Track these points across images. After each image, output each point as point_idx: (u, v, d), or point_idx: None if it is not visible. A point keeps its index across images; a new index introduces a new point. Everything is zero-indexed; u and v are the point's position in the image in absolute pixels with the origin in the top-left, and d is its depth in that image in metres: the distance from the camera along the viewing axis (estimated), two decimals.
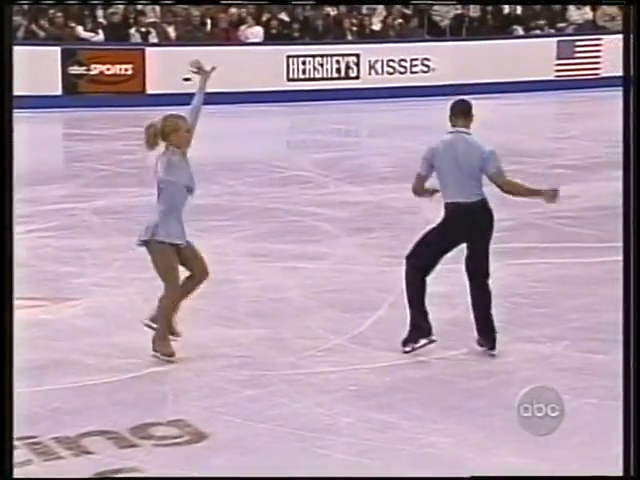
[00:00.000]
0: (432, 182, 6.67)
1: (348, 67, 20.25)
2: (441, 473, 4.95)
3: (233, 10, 20.41)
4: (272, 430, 5.48)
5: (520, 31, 22.04)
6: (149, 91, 18.86)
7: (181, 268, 6.57)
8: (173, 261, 6.46)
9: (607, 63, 20.55)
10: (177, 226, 6.45)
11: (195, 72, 6.54)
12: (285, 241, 9.62)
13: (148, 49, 19.26)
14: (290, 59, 19.86)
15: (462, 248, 6.61)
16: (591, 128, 16.88)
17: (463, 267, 6.64)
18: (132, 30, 19.74)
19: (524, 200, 10.53)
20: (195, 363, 6.49)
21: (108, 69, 18.98)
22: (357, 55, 20.28)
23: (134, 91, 18.88)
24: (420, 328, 6.61)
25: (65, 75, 18.72)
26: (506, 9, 22.17)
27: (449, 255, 6.64)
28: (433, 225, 6.63)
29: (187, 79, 6.49)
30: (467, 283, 6.62)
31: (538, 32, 22.08)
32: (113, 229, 10.11)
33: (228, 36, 20.21)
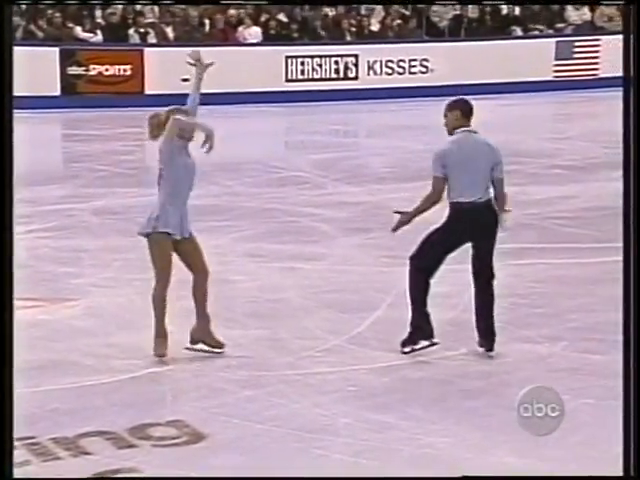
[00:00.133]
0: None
1: (347, 68, 20.25)
2: (439, 473, 4.95)
3: (232, 11, 20.42)
4: (270, 430, 5.48)
5: (518, 32, 22.06)
6: (148, 91, 18.86)
7: (181, 267, 6.57)
8: (167, 253, 6.42)
9: (605, 64, 20.56)
10: (176, 217, 6.43)
11: (192, 64, 6.54)
12: (283, 241, 9.63)
13: (147, 50, 19.26)
14: (289, 60, 19.87)
15: (464, 249, 6.60)
16: (589, 129, 16.89)
17: (463, 267, 6.64)
18: (131, 31, 19.74)
19: (522, 200, 10.54)
20: (193, 364, 6.49)
21: (107, 69, 18.98)
22: (356, 56, 20.29)
23: (133, 91, 18.88)
24: (421, 330, 6.60)
25: (64, 76, 18.72)
26: (504, 10, 22.18)
27: (450, 255, 6.63)
28: (437, 225, 6.58)
29: (186, 79, 6.49)
30: (471, 283, 6.62)
31: (536, 33, 22.09)
32: (112, 229, 10.11)
33: (226, 37, 20.22)
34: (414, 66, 20.53)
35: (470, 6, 21.56)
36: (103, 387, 6.10)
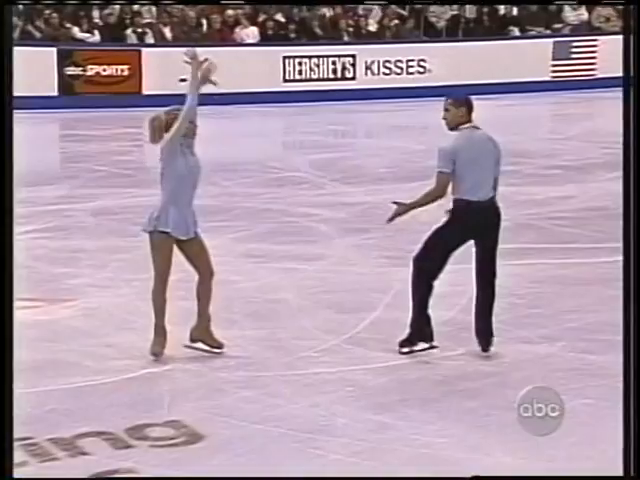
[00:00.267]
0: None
1: (344, 68, 20.26)
2: (437, 473, 4.95)
3: (229, 11, 20.42)
4: (268, 431, 5.48)
5: (516, 32, 22.07)
6: (145, 92, 18.85)
7: (180, 266, 6.57)
8: (166, 252, 6.43)
9: (603, 64, 20.58)
10: (177, 217, 6.43)
11: (188, 62, 6.53)
12: (281, 242, 9.62)
13: (144, 50, 19.26)
14: (286, 60, 19.87)
15: (463, 249, 6.57)
16: (587, 129, 16.91)
17: (462, 268, 6.63)
18: (128, 31, 19.74)
19: (520, 200, 10.55)
20: (191, 364, 6.49)
21: (104, 70, 18.98)
22: (353, 56, 20.30)
23: (130, 92, 18.88)
24: (421, 332, 6.58)
25: (61, 76, 18.71)
26: (502, 10, 22.20)
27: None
28: (438, 225, 6.56)
29: (183, 80, 6.48)
30: (469, 283, 6.61)
31: (534, 33, 22.10)
32: (109, 230, 10.10)
33: (223, 37, 20.21)
34: (412, 66, 20.54)
35: (468, 6, 21.57)
36: (101, 387, 6.10)
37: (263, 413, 5.71)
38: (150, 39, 19.82)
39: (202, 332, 6.59)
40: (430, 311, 6.58)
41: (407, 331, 6.61)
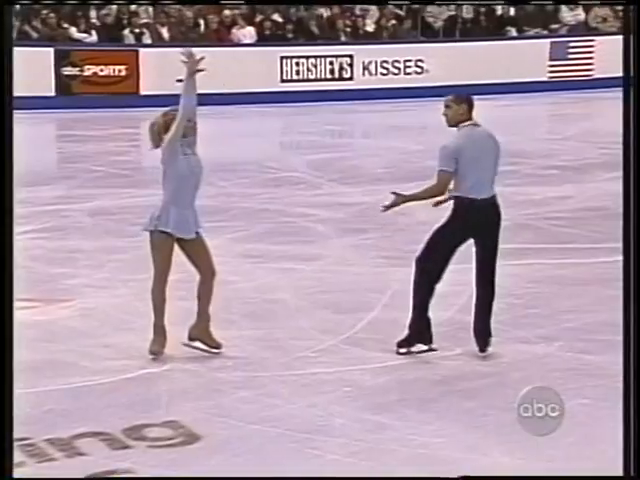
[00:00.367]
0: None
1: (342, 68, 20.26)
2: (435, 473, 4.95)
3: (227, 12, 20.41)
4: (266, 431, 5.48)
5: (513, 32, 22.08)
6: (143, 92, 18.85)
7: (180, 266, 6.57)
8: (166, 252, 6.44)
9: (600, 64, 20.59)
10: (178, 217, 6.44)
11: (184, 62, 6.53)
12: (279, 242, 9.62)
13: (142, 50, 19.25)
14: (283, 60, 19.87)
15: (462, 250, 6.57)
16: (584, 129, 16.92)
17: (460, 268, 6.62)
18: (125, 31, 19.73)
19: (517, 201, 10.55)
20: (189, 364, 6.49)
21: (102, 70, 18.97)
22: (351, 56, 20.30)
23: (128, 92, 18.87)
24: (419, 333, 6.57)
25: (58, 76, 18.71)
26: (499, 10, 22.21)
27: None
28: (439, 225, 6.55)
29: (181, 80, 6.48)
30: (467, 283, 6.61)
31: (531, 33, 22.11)
32: (107, 230, 10.10)
33: (220, 37, 20.21)
34: (409, 67, 20.54)
35: (465, 7, 21.58)
36: (98, 388, 6.09)
37: (261, 413, 5.71)
38: (147, 39, 19.81)
39: (201, 331, 6.60)
40: (430, 313, 6.57)
41: (406, 332, 6.60)
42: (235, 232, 9.95)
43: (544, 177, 12.95)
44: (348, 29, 21.17)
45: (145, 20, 20.19)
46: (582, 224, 10.28)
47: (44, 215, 10.62)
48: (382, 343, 6.76)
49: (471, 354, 6.61)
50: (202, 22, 20.39)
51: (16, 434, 4.44)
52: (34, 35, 19.22)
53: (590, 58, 21.38)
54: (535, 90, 20.37)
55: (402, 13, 21.73)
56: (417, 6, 21.25)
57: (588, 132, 16.38)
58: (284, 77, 19.88)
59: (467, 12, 22.00)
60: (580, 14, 22.62)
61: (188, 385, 6.20)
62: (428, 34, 21.61)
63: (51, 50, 18.68)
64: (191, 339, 6.63)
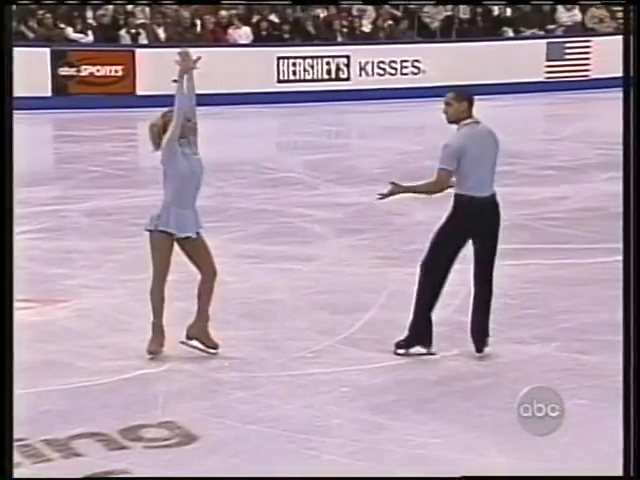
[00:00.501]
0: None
1: (338, 68, 20.26)
2: (432, 473, 4.95)
3: (223, 12, 20.41)
4: (262, 432, 5.48)
5: (510, 33, 22.09)
6: (139, 92, 18.84)
7: (179, 266, 6.57)
8: (165, 251, 6.45)
9: (596, 65, 20.61)
10: (179, 217, 6.45)
11: (180, 62, 6.52)
12: (275, 242, 9.62)
13: (138, 50, 19.24)
14: (280, 60, 19.87)
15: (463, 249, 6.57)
16: (581, 130, 16.92)
17: (457, 268, 6.61)
18: (122, 31, 19.72)
19: (514, 201, 10.55)
20: (186, 365, 6.49)
21: (98, 70, 18.96)
22: (347, 57, 20.30)
23: (124, 92, 18.86)
24: (419, 336, 6.56)
25: (55, 76, 18.69)
26: (496, 11, 22.23)
27: None
28: (439, 225, 6.51)
29: (176, 80, 6.48)
30: (464, 284, 6.60)
31: (528, 34, 22.13)
32: (104, 231, 10.09)
33: (216, 38, 20.20)
34: (406, 67, 20.55)
35: (461, 7, 21.59)
36: (95, 388, 6.09)
37: (258, 414, 5.71)
38: (144, 40, 19.80)
39: (199, 330, 6.60)
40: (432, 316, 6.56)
41: (406, 333, 6.59)
42: (232, 232, 9.95)
43: (541, 177, 12.95)
44: (345, 29, 21.18)
45: (141, 20, 20.18)
46: (578, 224, 10.29)
47: (41, 215, 10.61)
48: (379, 343, 6.76)
49: (468, 355, 6.61)
50: (198, 22, 20.39)
51: (13, 435, 4.44)
52: (30, 35, 19.20)
53: (587, 59, 21.40)
54: (532, 90, 20.38)
55: (399, 13, 21.74)
56: (414, 6, 21.26)
57: (585, 132, 16.38)
58: (281, 77, 19.88)
59: (464, 12, 22.02)
60: (577, 15, 22.65)
61: (185, 386, 6.20)
62: (425, 34, 21.62)
63: (47, 50, 18.66)
64: (189, 338, 6.63)
